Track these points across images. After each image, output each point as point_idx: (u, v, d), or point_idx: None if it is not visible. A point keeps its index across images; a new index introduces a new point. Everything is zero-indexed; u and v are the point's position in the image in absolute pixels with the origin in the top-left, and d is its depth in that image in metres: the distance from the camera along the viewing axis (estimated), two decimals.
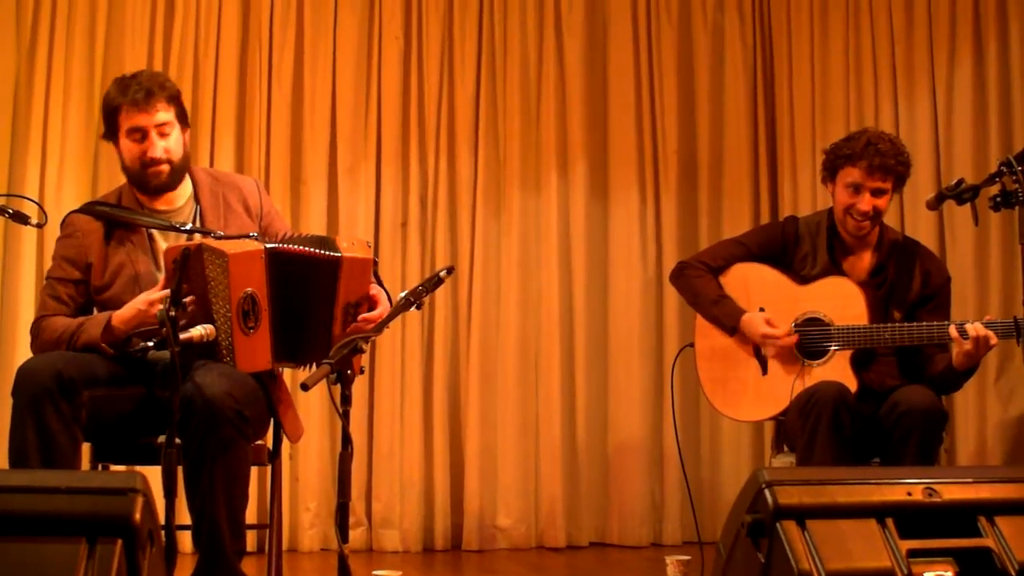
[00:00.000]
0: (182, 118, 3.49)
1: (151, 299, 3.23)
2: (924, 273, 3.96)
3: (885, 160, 3.85)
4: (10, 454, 3.07)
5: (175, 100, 3.46)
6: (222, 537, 3.10)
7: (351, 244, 3.27)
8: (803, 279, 3.96)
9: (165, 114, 3.41)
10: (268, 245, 3.23)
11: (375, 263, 3.30)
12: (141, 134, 3.40)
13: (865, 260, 3.99)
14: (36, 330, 3.41)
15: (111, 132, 3.46)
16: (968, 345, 3.65)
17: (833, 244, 3.98)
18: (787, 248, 4.03)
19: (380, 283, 3.38)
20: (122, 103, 3.39)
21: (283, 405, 3.45)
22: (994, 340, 3.65)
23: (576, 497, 5.48)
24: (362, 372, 3.03)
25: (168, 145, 3.42)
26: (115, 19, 5.29)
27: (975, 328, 3.65)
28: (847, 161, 3.88)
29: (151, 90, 3.39)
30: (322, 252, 3.23)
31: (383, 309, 3.31)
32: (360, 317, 3.25)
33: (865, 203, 3.86)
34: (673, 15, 5.77)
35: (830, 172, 3.96)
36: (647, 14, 5.74)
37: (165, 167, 3.42)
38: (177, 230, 3.41)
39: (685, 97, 5.78)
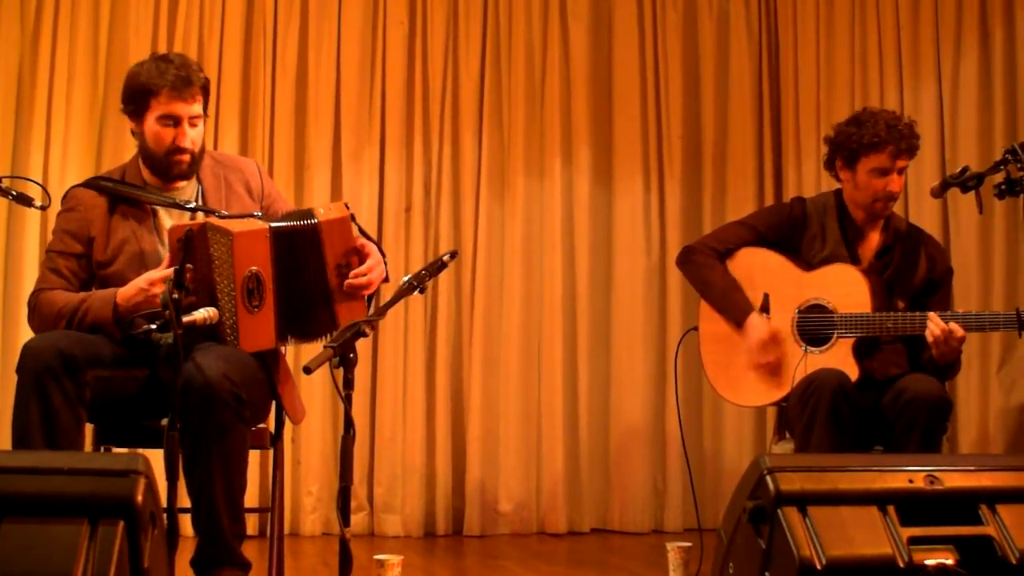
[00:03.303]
0: (206, 109, 3.48)
1: (152, 279, 3.22)
2: (930, 258, 3.98)
3: (910, 141, 3.91)
4: (14, 432, 3.08)
5: (206, 90, 3.44)
6: (220, 520, 3.11)
7: (327, 208, 3.33)
8: (808, 265, 3.96)
9: (198, 105, 3.41)
10: (272, 224, 3.25)
11: (353, 218, 3.33)
12: (174, 121, 3.37)
13: (873, 241, 4.00)
14: (34, 302, 3.39)
15: (137, 110, 3.41)
16: (929, 339, 3.66)
17: (845, 225, 3.98)
18: (795, 229, 4.03)
19: (368, 237, 3.41)
20: (162, 87, 3.34)
21: (284, 384, 3.45)
22: (960, 333, 3.65)
23: (578, 483, 5.49)
24: (373, 328, 3.07)
25: (195, 136, 3.41)
26: (119, 3, 5.27)
27: (934, 326, 3.65)
28: (873, 148, 3.87)
29: (190, 79, 3.36)
30: (302, 222, 3.28)
31: (375, 260, 3.36)
32: (352, 273, 3.30)
33: (895, 184, 3.89)
34: (679, 0, 5.75)
35: (848, 160, 3.93)
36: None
37: (188, 157, 3.41)
38: (182, 208, 3.41)
39: (690, 83, 5.77)
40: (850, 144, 3.92)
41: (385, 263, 3.44)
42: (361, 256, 3.34)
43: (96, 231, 3.41)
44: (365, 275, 3.32)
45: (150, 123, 3.39)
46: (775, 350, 3.90)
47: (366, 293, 3.34)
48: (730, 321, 4.00)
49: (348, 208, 3.35)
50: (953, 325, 3.65)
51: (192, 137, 3.40)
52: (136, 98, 3.40)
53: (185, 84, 3.35)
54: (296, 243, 3.27)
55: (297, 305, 3.27)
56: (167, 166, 3.42)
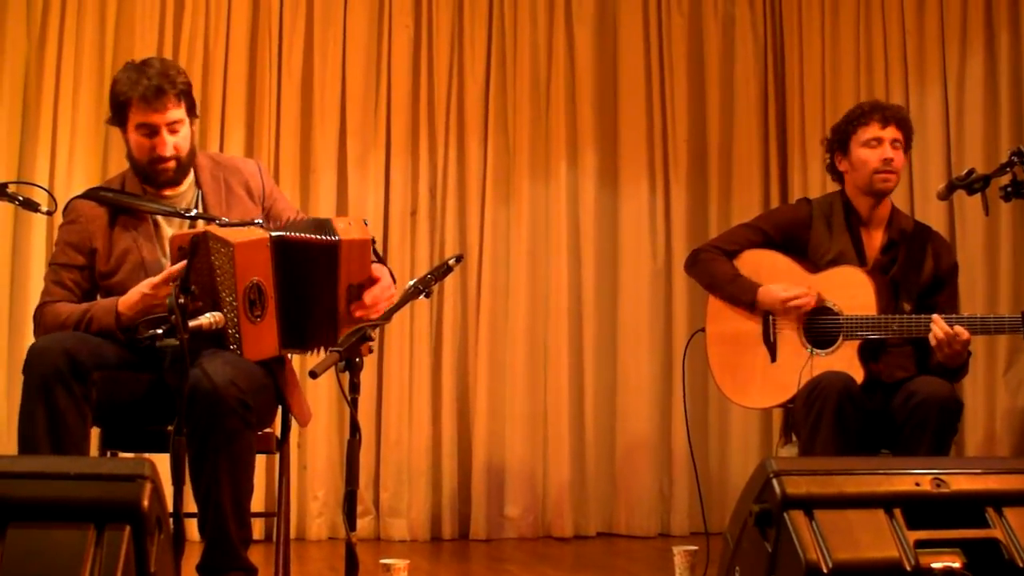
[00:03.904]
0: (191, 111, 3.43)
1: (154, 283, 3.21)
2: (935, 255, 3.98)
3: (896, 112, 3.97)
4: (20, 433, 3.08)
5: (185, 95, 3.38)
6: (227, 525, 3.10)
7: (348, 225, 3.25)
8: (815, 267, 3.96)
9: (176, 112, 3.35)
10: (273, 233, 3.21)
11: (373, 241, 3.28)
12: (150, 130, 3.35)
13: (877, 238, 4.00)
14: (39, 316, 3.38)
15: (119, 121, 3.40)
16: (932, 343, 3.66)
17: (850, 218, 3.99)
18: (801, 230, 4.03)
19: (381, 260, 3.36)
20: (132, 98, 3.31)
21: (290, 388, 3.45)
22: (965, 336, 3.65)
23: (584, 487, 5.49)
24: (371, 351, 3.02)
25: (177, 141, 3.38)
26: (125, 8, 5.29)
27: (938, 329, 3.65)
28: (860, 121, 3.94)
29: (162, 87, 3.31)
30: (321, 237, 3.21)
31: (385, 284, 3.30)
32: (364, 293, 3.24)
33: (889, 152, 3.91)
34: (684, 4, 5.75)
35: (842, 142, 3.99)
36: (657, 3, 5.73)
37: (172, 163, 3.38)
38: (182, 216, 3.39)
39: (695, 87, 5.77)
40: (839, 129, 4.01)
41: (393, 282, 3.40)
42: (372, 281, 3.28)
43: (98, 242, 3.40)
44: (373, 304, 3.26)
45: (131, 133, 3.38)
46: (806, 291, 3.89)
47: (371, 318, 3.28)
48: (742, 305, 3.99)
49: (367, 225, 3.30)
50: (958, 328, 3.64)
51: (174, 143, 3.36)
52: (115, 109, 3.38)
53: (156, 94, 3.30)
54: (309, 255, 3.21)
55: (300, 316, 3.23)
56: (153, 175, 3.40)
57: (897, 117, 3.95)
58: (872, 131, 3.93)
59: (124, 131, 3.41)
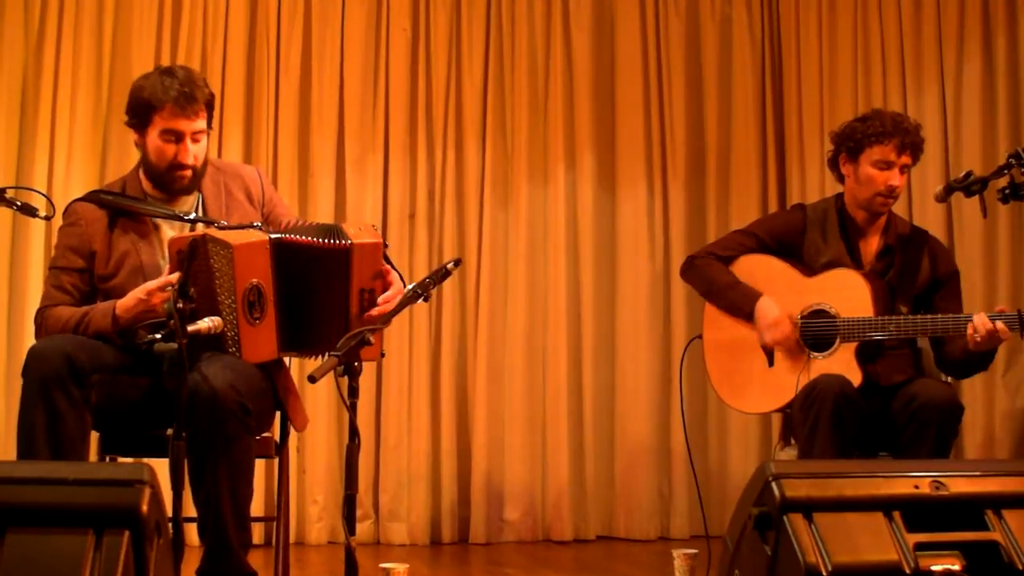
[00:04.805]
0: (210, 123, 3.46)
1: (150, 288, 3.21)
2: (932, 258, 3.98)
3: (914, 138, 3.92)
4: (19, 436, 3.08)
5: (209, 106, 3.42)
6: (227, 530, 3.10)
7: (359, 230, 3.26)
8: (810, 271, 3.96)
9: (201, 122, 3.38)
10: (272, 235, 3.22)
11: (385, 246, 3.29)
12: (176, 137, 3.36)
13: (873, 244, 4.00)
14: (40, 320, 3.40)
15: (140, 124, 3.40)
16: (979, 338, 3.64)
17: (846, 226, 3.99)
18: (796, 235, 4.03)
19: (391, 265, 3.37)
20: (165, 102, 3.32)
21: (287, 393, 3.45)
22: (1006, 334, 3.64)
23: (583, 490, 5.49)
24: (383, 355, 3.01)
25: (197, 151, 3.40)
26: (122, 12, 5.29)
27: (982, 323, 3.63)
28: (877, 140, 3.89)
29: (194, 95, 3.34)
30: (330, 241, 3.22)
31: (397, 288, 3.30)
32: (381, 299, 3.24)
33: (896, 179, 3.89)
34: (681, 7, 5.76)
35: (852, 152, 3.95)
36: (655, 6, 5.73)
37: (189, 172, 3.40)
38: (181, 219, 3.41)
39: (693, 89, 5.77)
40: (855, 136, 3.95)
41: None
42: (385, 286, 3.29)
43: (97, 245, 3.40)
44: (390, 302, 3.25)
45: (152, 137, 3.38)
46: (790, 327, 3.89)
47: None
48: (739, 315, 3.98)
49: (377, 230, 3.30)
50: (1000, 324, 3.60)
51: (194, 152, 3.38)
52: (139, 112, 3.39)
53: (188, 100, 3.33)
54: (316, 259, 3.22)
55: (301, 319, 3.23)
56: (169, 181, 3.42)
57: (914, 143, 3.91)
58: (887, 154, 3.88)
59: (143, 135, 3.41)
